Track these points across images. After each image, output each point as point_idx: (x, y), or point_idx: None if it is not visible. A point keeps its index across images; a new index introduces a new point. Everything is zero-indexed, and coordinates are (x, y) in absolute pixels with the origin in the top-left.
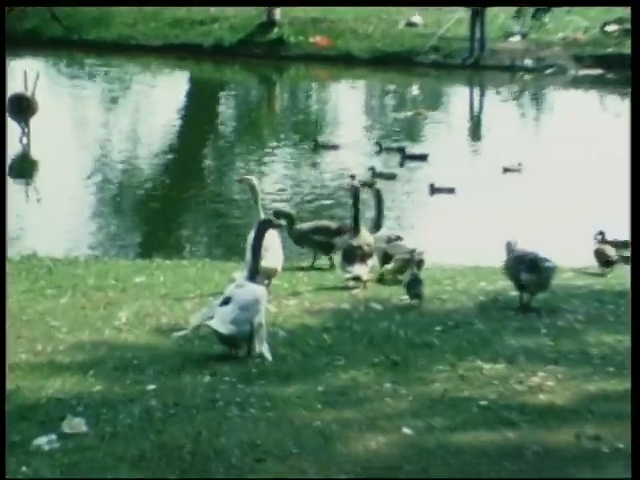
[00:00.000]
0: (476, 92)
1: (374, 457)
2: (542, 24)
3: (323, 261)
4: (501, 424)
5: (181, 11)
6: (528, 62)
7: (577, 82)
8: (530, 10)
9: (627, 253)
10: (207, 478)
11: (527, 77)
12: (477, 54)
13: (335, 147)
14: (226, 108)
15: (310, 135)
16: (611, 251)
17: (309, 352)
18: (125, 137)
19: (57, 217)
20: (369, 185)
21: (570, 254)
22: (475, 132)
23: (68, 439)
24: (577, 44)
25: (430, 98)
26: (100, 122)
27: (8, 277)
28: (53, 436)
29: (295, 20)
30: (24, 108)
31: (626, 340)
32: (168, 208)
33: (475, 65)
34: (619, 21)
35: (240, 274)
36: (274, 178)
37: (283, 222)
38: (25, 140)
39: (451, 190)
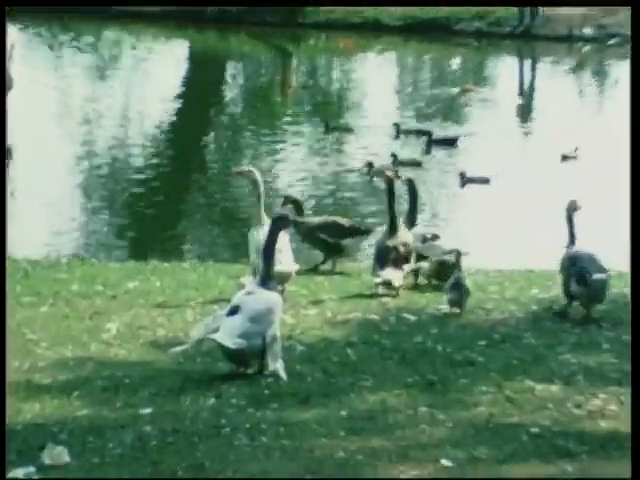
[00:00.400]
0: (527, 66)
1: None
2: None
3: (328, 265)
4: (556, 455)
5: None
6: (588, 31)
7: None
8: None
9: None
10: None
11: (586, 48)
12: (528, 22)
13: (348, 130)
14: (232, 86)
15: (332, 117)
16: None
17: (331, 370)
18: (115, 118)
19: (35, 212)
20: (396, 175)
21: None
22: (525, 112)
23: (49, 471)
24: None
25: (472, 73)
26: (87, 100)
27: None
28: (31, 468)
29: None
30: None
31: None
32: (165, 201)
33: (525, 34)
34: None
35: (250, 279)
36: (286, 168)
37: (293, 215)
38: None
39: (485, 180)
